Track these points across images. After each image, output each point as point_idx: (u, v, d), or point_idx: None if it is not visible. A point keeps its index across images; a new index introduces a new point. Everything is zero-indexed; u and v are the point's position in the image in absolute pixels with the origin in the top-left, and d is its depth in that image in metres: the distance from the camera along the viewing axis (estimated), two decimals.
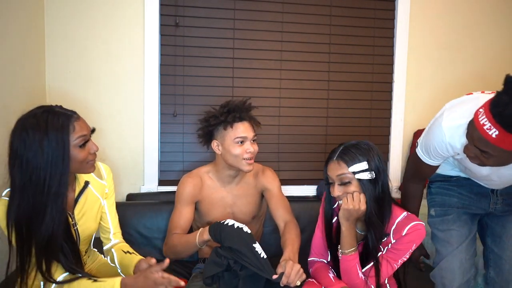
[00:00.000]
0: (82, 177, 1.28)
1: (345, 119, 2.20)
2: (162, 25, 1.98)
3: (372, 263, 1.29)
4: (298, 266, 1.28)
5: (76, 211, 1.24)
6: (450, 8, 2.22)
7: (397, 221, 1.29)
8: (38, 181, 1.06)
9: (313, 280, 1.41)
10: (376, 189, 1.24)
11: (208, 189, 1.65)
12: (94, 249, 1.46)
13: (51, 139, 1.06)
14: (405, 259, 1.28)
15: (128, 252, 1.31)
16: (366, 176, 1.22)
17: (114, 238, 1.36)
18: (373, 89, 2.21)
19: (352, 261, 1.29)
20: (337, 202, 1.37)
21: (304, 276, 1.28)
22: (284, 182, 1.82)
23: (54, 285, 1.14)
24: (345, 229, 1.28)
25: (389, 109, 2.24)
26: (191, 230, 1.64)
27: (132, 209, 1.82)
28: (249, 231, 1.35)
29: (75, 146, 1.12)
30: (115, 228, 1.37)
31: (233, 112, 1.53)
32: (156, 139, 2.02)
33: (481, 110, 1.09)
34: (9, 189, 1.11)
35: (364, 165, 1.22)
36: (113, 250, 1.34)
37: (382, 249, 1.30)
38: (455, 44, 2.24)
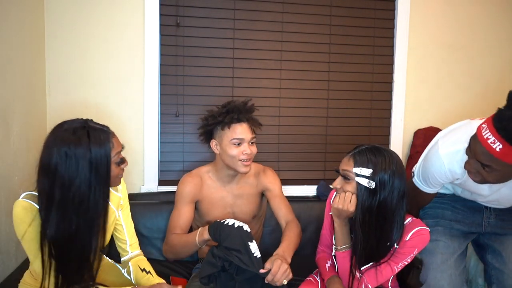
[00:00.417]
0: None
1: (345, 119, 2.20)
2: (162, 25, 1.98)
3: (370, 263, 1.29)
4: (285, 266, 1.29)
5: None
6: (450, 8, 2.22)
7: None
8: (82, 200, 1.04)
9: (311, 278, 1.48)
10: (372, 200, 1.21)
11: (208, 189, 1.65)
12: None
13: (95, 156, 1.05)
14: (406, 263, 1.29)
15: (144, 270, 1.30)
16: (365, 183, 1.21)
17: (131, 250, 1.35)
18: (373, 89, 2.21)
19: (345, 258, 1.30)
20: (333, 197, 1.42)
21: (290, 275, 1.29)
22: (284, 182, 1.82)
23: None
24: (337, 226, 1.31)
25: (389, 109, 2.24)
26: (191, 230, 1.64)
27: (132, 209, 1.78)
28: (248, 230, 1.35)
29: (113, 163, 1.12)
30: (131, 239, 1.36)
31: (231, 113, 1.53)
32: (156, 139, 2.02)
33: (483, 125, 1.11)
34: (28, 192, 1.10)
35: (367, 171, 1.21)
36: (130, 263, 1.33)
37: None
38: (455, 44, 2.24)
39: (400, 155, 2.24)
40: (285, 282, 1.28)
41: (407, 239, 1.26)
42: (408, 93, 2.22)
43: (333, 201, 1.33)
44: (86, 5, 1.90)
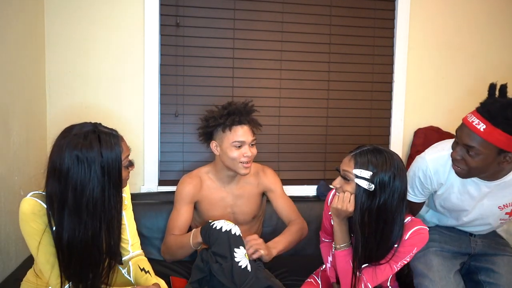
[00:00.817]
0: None
1: (345, 119, 2.20)
2: (162, 25, 1.98)
3: (369, 263, 1.29)
4: (258, 240, 1.42)
5: None
6: (450, 8, 2.22)
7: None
8: (96, 204, 1.06)
9: (312, 280, 1.49)
10: (371, 202, 1.21)
11: (208, 189, 1.65)
12: None
13: (107, 160, 1.06)
14: (405, 262, 1.29)
15: (143, 269, 1.30)
16: (365, 185, 1.21)
17: (132, 249, 1.35)
18: (373, 89, 2.21)
19: (345, 257, 1.30)
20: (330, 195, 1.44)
21: (260, 252, 1.38)
22: (284, 182, 1.82)
23: None
24: (336, 225, 1.31)
25: (389, 109, 2.23)
26: (190, 230, 1.64)
27: (132, 209, 1.81)
28: (238, 233, 1.31)
29: (122, 166, 1.13)
30: (133, 239, 1.37)
31: (233, 115, 1.53)
32: (156, 139, 2.02)
33: (468, 114, 1.25)
34: (35, 192, 1.11)
35: (367, 174, 1.20)
36: (130, 263, 1.33)
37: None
38: (455, 44, 2.24)
39: (400, 155, 2.22)
40: (254, 256, 1.34)
41: (406, 238, 1.26)
42: (408, 93, 2.22)
43: (331, 201, 1.34)
44: (86, 5, 1.90)
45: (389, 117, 2.24)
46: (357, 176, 1.22)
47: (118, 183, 1.10)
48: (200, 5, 2.01)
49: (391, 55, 2.20)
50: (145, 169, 2.02)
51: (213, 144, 1.59)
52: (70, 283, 1.11)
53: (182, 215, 1.60)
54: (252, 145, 1.57)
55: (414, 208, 1.54)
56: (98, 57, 1.93)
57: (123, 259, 1.37)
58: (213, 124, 1.56)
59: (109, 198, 1.08)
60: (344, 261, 1.30)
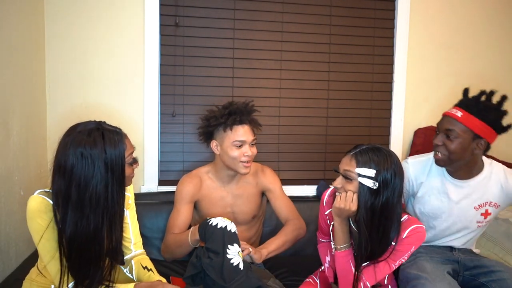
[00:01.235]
0: None
1: (345, 119, 2.20)
2: (162, 25, 1.98)
3: (367, 262, 1.29)
4: (247, 245, 1.45)
5: None
6: (450, 8, 2.22)
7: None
8: (99, 199, 1.07)
9: (310, 280, 1.49)
10: (376, 200, 1.21)
11: (208, 189, 1.65)
12: None
13: (110, 157, 1.08)
14: (403, 260, 1.29)
15: (146, 267, 1.31)
16: (369, 183, 1.21)
17: (134, 248, 1.36)
18: (373, 89, 2.21)
19: (345, 257, 1.30)
20: (326, 194, 1.46)
21: (247, 251, 1.42)
22: (284, 182, 1.82)
23: None
24: (337, 225, 1.31)
25: (389, 109, 2.24)
26: None
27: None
28: (233, 230, 1.29)
29: (126, 163, 1.14)
30: (136, 238, 1.38)
31: (234, 114, 1.53)
32: (156, 139, 2.02)
33: (449, 109, 1.45)
34: (42, 190, 1.12)
35: (371, 172, 1.20)
36: (132, 261, 1.34)
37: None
38: (455, 44, 2.24)
39: (400, 155, 2.24)
40: (243, 254, 1.36)
41: (404, 237, 1.26)
42: (408, 93, 2.22)
43: (327, 201, 1.35)
44: (86, 5, 1.90)
45: (389, 117, 2.24)
46: (360, 175, 1.22)
47: (121, 180, 1.12)
48: (200, 5, 2.01)
49: (391, 55, 2.20)
50: (145, 169, 2.02)
51: (213, 144, 1.59)
52: (73, 281, 1.11)
53: (182, 214, 1.61)
54: (252, 144, 1.57)
55: None
56: (98, 57, 1.94)
57: (125, 257, 1.37)
58: (214, 124, 1.56)
59: (112, 194, 1.09)
60: (345, 261, 1.30)
